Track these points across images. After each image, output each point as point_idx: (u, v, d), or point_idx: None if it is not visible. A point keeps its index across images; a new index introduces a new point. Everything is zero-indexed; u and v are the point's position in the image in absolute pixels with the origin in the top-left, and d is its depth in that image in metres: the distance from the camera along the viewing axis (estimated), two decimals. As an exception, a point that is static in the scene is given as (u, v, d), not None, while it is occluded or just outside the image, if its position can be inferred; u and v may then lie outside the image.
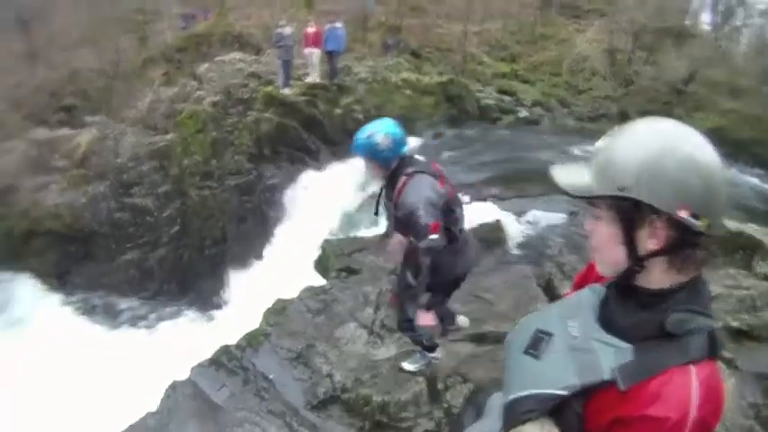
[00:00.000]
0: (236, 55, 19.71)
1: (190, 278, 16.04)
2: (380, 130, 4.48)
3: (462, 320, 5.97)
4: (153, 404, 7.40)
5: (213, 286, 15.73)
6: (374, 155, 4.51)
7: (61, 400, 13.27)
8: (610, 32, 20.61)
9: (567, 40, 20.17)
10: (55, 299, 17.58)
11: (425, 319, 4.47)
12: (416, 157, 4.56)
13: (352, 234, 10.80)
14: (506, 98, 17.01)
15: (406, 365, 6.14)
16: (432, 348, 5.94)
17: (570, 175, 1.48)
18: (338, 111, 16.06)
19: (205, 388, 7.25)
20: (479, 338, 6.44)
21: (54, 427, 12.51)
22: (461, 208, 4.62)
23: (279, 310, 8.14)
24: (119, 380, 13.20)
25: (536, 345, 1.52)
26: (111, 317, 16.65)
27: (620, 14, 21.37)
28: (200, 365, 7.65)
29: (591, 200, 1.46)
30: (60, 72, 25.23)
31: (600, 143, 1.46)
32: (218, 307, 15.29)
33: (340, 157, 14.90)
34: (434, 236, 4.13)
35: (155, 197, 16.30)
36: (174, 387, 7.47)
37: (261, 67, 18.49)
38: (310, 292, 8.39)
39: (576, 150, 14.19)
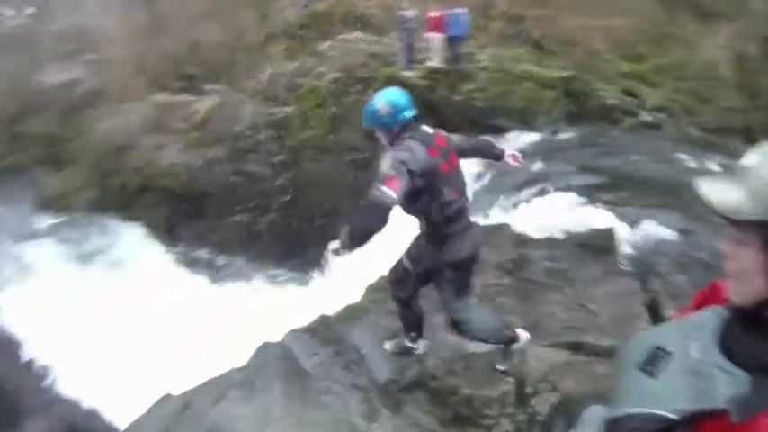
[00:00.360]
0: (358, 35, 20.30)
1: (296, 246, 16.89)
2: (381, 99, 4.66)
3: (522, 335, 5.94)
4: (242, 360, 7.74)
5: (318, 256, 16.19)
6: (374, 121, 4.72)
7: (152, 342, 14.44)
8: (738, 38, 19.82)
9: (694, 42, 19.50)
10: (160, 249, 18.99)
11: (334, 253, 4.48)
12: (422, 127, 4.67)
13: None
14: (628, 99, 16.46)
15: (388, 344, 6.54)
16: (417, 338, 6.28)
17: (718, 191, 1.36)
18: (458, 97, 16.17)
19: (296, 352, 7.45)
20: (575, 347, 6.45)
21: (140, 367, 13.57)
22: (458, 191, 4.63)
23: (380, 288, 8.14)
24: (212, 332, 14.24)
25: (653, 362, 1.46)
26: (214, 271, 17.82)
27: (751, 19, 20.40)
28: (295, 330, 7.90)
29: (736, 222, 1.35)
30: (183, 43, 26.37)
31: (753, 160, 1.33)
32: (321, 276, 15.89)
33: None
34: (387, 190, 4.00)
35: (269, 165, 17.28)
36: (265, 347, 7.71)
37: (382, 48, 18.97)
38: None
39: (697, 163, 13.51)
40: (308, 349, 7.43)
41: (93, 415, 13.57)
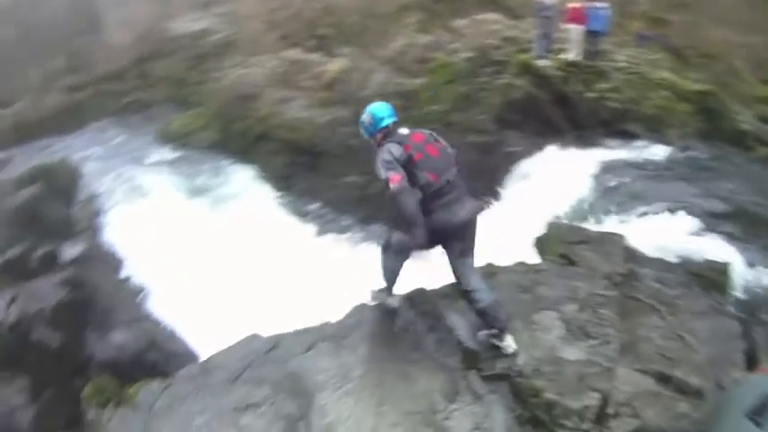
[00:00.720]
0: (494, 16, 20.52)
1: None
2: (366, 111, 6.53)
3: (509, 343, 6.61)
4: (336, 315, 8.33)
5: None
6: (364, 131, 6.64)
7: (249, 281, 15.53)
8: None
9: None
10: (271, 194, 20.34)
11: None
12: (400, 130, 6.23)
13: (580, 223, 10.69)
14: (764, 127, 15.89)
15: (482, 333, 7.03)
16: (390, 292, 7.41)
17: None
18: (592, 95, 16.03)
19: (392, 319, 7.91)
20: (664, 379, 6.44)
21: (232, 303, 14.69)
22: (435, 174, 5.87)
23: (488, 275, 8.42)
24: (310, 282, 15.19)
25: (762, 411, 1.54)
26: (321, 224, 18.93)
27: None
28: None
29: None
30: (318, 3, 27.20)
31: None
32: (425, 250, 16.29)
33: (586, 142, 14.92)
34: (394, 185, 5.54)
35: (391, 135, 17.41)
36: (362, 307, 8.14)
37: (518, 32, 19.39)
38: (523, 267, 8.69)
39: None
40: (403, 317, 7.88)
41: (176, 338, 15.03)
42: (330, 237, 18.28)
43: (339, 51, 22.09)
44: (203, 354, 13.52)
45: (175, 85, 30.09)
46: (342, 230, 18.50)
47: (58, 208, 19.69)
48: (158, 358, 14.09)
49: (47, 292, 14.21)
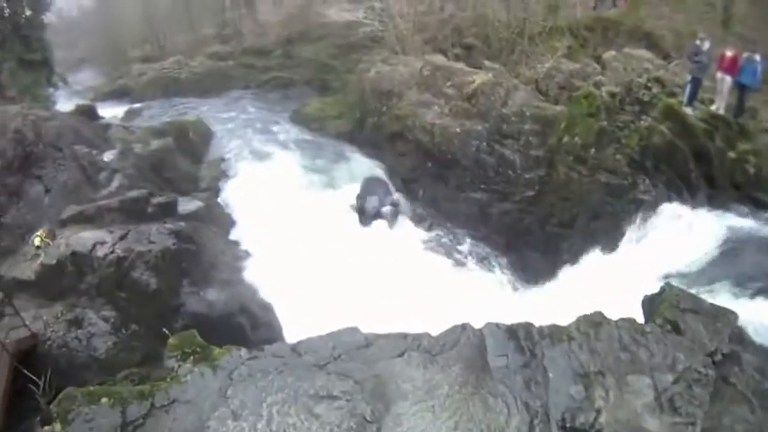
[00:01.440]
0: (645, 54, 19.85)
1: (520, 242, 17.62)
2: None
3: None
4: (432, 327, 8.40)
5: (537, 261, 16.86)
6: None
7: (351, 273, 15.81)
8: None
9: None
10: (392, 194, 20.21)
11: None
12: None
13: (694, 290, 10.17)
14: None
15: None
16: None
17: None
18: (731, 154, 15.07)
19: (489, 346, 8.02)
20: None
21: (331, 291, 15.00)
22: None
23: (593, 323, 8.42)
24: (413, 290, 15.25)
25: None
26: (435, 234, 18.97)
27: None
28: (497, 325, 8.39)
29: None
30: (468, 13, 27.29)
31: None
32: (532, 283, 16.31)
33: (716, 203, 14.12)
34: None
35: (524, 157, 17.98)
36: (463, 327, 8.27)
37: (668, 75, 18.57)
38: (629, 324, 8.50)
39: None
40: (500, 348, 8.02)
41: (267, 310, 15.42)
42: (442, 249, 18.24)
43: (485, 64, 21.95)
44: (289, 333, 14.04)
45: (318, 70, 31.14)
46: (455, 244, 18.44)
47: (184, 163, 20.77)
48: (245, 325, 14.57)
49: (156, 237, 14.90)
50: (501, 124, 18.67)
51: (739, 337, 8.64)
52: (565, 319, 8.66)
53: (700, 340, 8.19)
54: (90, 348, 13.13)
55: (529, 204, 17.58)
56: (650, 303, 9.49)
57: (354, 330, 8.23)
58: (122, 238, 14.79)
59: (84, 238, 14.58)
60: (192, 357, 7.77)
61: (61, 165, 17.46)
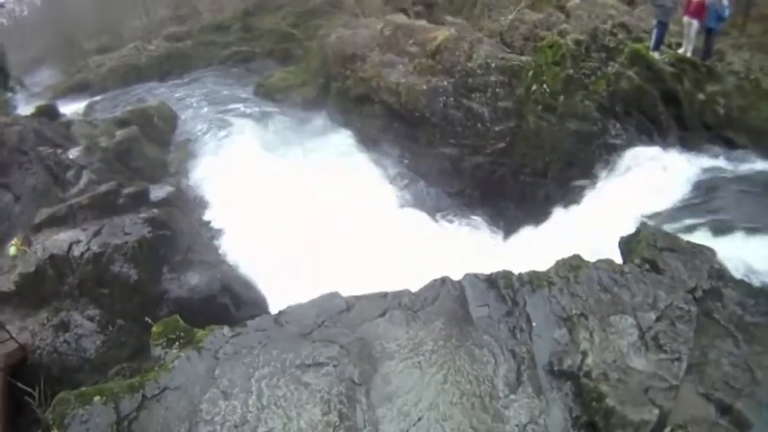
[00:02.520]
0: (610, 0, 19.60)
1: (495, 194, 17.82)
2: None
3: None
4: (414, 285, 8.45)
5: (513, 211, 17.06)
6: None
7: (328, 240, 15.87)
8: None
9: None
10: (362, 156, 20.47)
11: None
12: None
13: (672, 229, 10.27)
14: None
15: None
16: None
17: None
18: (701, 96, 14.97)
19: (469, 297, 8.09)
20: (725, 409, 6.62)
21: (310, 260, 15.19)
22: None
23: (572, 267, 8.50)
24: (391, 249, 15.36)
25: None
26: (408, 192, 19.00)
27: None
28: (476, 276, 8.45)
29: None
30: (427, -32, 26.97)
31: None
32: (510, 232, 16.40)
33: (688, 144, 14.11)
34: None
35: (492, 109, 18.15)
36: (442, 281, 8.32)
37: (633, 20, 18.60)
38: (608, 266, 8.59)
39: None
40: (481, 298, 8.10)
41: (249, 286, 15.58)
42: (418, 205, 18.33)
43: (448, 19, 21.87)
44: (274, 305, 14.04)
45: (279, 40, 30.81)
46: (428, 201, 18.55)
47: (152, 149, 20.62)
48: (229, 303, 14.71)
49: (131, 227, 14.95)
50: (467, 78, 18.76)
51: (719, 273, 8.77)
52: (545, 266, 8.72)
53: (679, 277, 8.34)
54: (80, 350, 13.19)
55: (500, 156, 17.74)
56: (627, 244, 9.62)
57: (335, 295, 8.26)
58: (97, 233, 14.82)
59: (60, 239, 14.60)
60: (177, 343, 7.82)
61: (28, 169, 17.39)
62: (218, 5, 36.58)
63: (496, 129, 17.84)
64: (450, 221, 17.72)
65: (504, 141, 17.67)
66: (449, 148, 18.71)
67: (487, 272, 8.53)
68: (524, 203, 16.62)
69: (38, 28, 44.96)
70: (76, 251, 14.27)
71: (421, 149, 19.49)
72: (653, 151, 14.06)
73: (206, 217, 17.90)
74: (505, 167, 17.53)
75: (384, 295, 8.15)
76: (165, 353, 7.71)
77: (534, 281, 8.21)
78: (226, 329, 7.95)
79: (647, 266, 8.56)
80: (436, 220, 17.75)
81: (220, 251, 16.47)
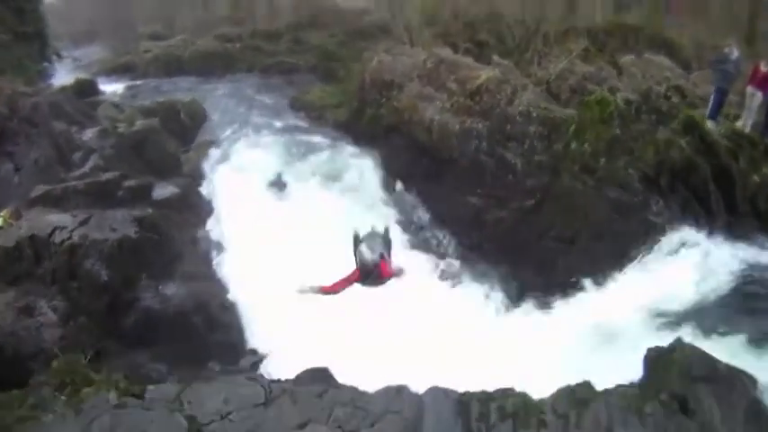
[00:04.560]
0: (665, 61, 17.94)
1: (514, 254, 15.39)
2: None
3: None
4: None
5: (529, 277, 14.70)
6: None
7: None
8: None
9: None
10: (383, 192, 18.37)
11: None
12: None
13: (708, 337, 9.24)
14: None
15: None
16: None
17: None
18: (755, 178, 13.29)
19: (427, 424, 6.43)
20: None
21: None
22: None
23: (577, 401, 6.84)
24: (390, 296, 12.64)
25: None
26: (421, 236, 16.92)
27: None
28: (444, 392, 7.13)
29: None
30: (481, 8, 26.00)
31: None
32: (521, 301, 13.96)
33: (735, 231, 12.39)
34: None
35: (526, 161, 16.10)
36: (398, 391, 7.10)
37: (687, 84, 16.84)
38: (624, 401, 6.99)
39: None
40: (441, 428, 6.33)
41: (229, 310, 13.66)
42: (429, 252, 16.16)
43: (495, 60, 20.02)
44: (253, 337, 12.79)
45: (324, 57, 29.45)
46: (444, 249, 16.42)
47: (171, 145, 19.12)
48: (201, 324, 12.90)
49: (119, 224, 13.33)
50: (504, 124, 16.73)
51: (756, 411, 6.99)
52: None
53: (711, 422, 6.60)
54: (38, 339, 11.47)
55: (527, 214, 15.62)
56: (655, 362, 7.92)
57: (257, 380, 7.01)
58: (83, 223, 13.17)
59: (46, 221, 13.07)
60: (67, 389, 6.45)
61: (34, 142, 15.89)
62: (274, 13, 35.45)
63: (528, 183, 15.80)
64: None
65: (533, 198, 15.60)
66: (474, 197, 16.68)
67: (459, 386, 7.08)
68: (544, 271, 14.47)
69: (96, 2, 43.63)
70: (58, 237, 12.68)
71: (444, 193, 17.50)
72: (696, 236, 12.19)
73: (208, 226, 16.25)
74: (531, 227, 15.43)
75: (320, 394, 6.55)
76: (51, 397, 6.33)
77: (521, 413, 6.42)
78: (112, 396, 6.35)
79: (675, 405, 6.92)
80: (443, 275, 15.23)
81: (212, 266, 14.77)
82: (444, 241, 16.73)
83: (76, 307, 12.16)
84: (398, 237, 16.11)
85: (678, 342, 8.03)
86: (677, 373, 7.33)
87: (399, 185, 18.69)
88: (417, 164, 18.56)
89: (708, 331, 9.63)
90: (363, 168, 19.35)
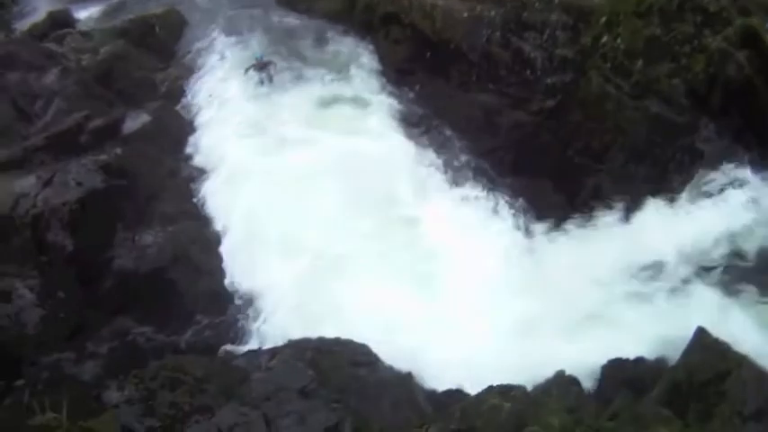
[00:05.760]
0: None
1: (532, 163, 13.46)
2: None
3: None
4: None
5: (550, 191, 13.05)
6: None
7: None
8: None
9: None
10: (380, 94, 15.90)
11: None
12: None
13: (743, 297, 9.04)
14: None
15: None
16: None
17: None
18: None
19: None
20: None
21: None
22: None
23: None
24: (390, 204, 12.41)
25: None
26: (427, 141, 14.57)
27: None
28: None
29: None
30: None
31: None
32: (542, 219, 12.17)
33: None
34: None
35: (547, 55, 13.54)
36: None
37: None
38: None
39: None
40: None
41: (213, 251, 12.01)
42: (436, 160, 13.90)
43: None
44: (243, 281, 11.24)
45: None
46: (452, 155, 14.08)
47: (143, 66, 16.59)
48: (180, 279, 11.32)
49: (82, 176, 11.63)
50: (521, 11, 14.13)
51: None
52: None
53: None
54: (20, 325, 10.25)
55: (548, 118, 13.46)
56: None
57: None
58: (46, 184, 11.48)
59: (8, 191, 11.43)
60: None
61: (-14, 102, 13.98)
62: None
63: (548, 81, 13.38)
64: (472, 186, 13.19)
65: (555, 99, 13.29)
66: (486, 94, 14.37)
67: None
68: (566, 186, 12.64)
69: None
70: (22, 207, 11.15)
71: (452, 91, 15.13)
72: (747, 174, 10.48)
73: (188, 149, 14.26)
74: (552, 134, 13.28)
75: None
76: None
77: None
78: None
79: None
80: (455, 183, 13.31)
81: (195, 198, 12.93)
82: (453, 144, 14.47)
83: (51, 282, 10.76)
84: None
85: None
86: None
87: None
88: (420, 57, 16.00)
89: (742, 285, 9.14)
90: (357, 59, 17.00)
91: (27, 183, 11.53)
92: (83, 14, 20.33)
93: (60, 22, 18.44)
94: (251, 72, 15.68)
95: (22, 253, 10.96)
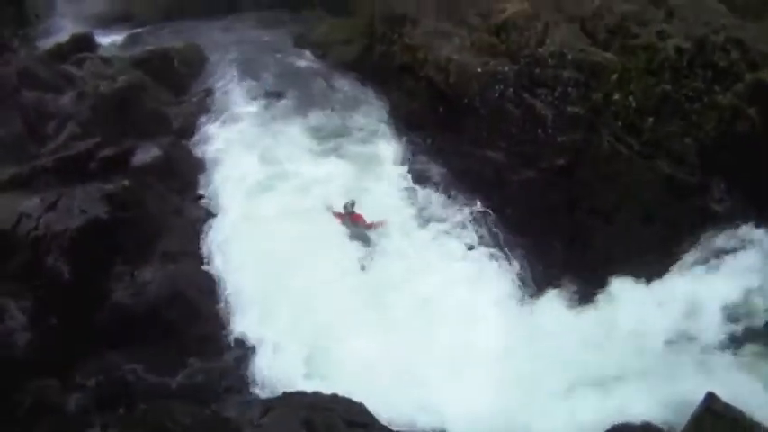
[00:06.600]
0: (720, 6, 13.79)
1: (539, 223, 12.96)
2: None
3: None
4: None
5: (557, 252, 12.55)
6: None
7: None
8: None
9: None
10: (391, 144, 15.87)
11: None
12: None
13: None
14: None
15: None
16: None
17: None
18: None
19: None
20: None
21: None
22: None
23: None
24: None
25: None
26: (437, 203, 14.13)
27: None
28: None
29: None
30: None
31: None
32: (546, 284, 11.74)
33: None
34: None
35: (558, 113, 13.16)
36: None
37: (748, 37, 12.53)
38: None
39: None
40: None
41: (212, 293, 11.74)
42: (441, 215, 13.63)
43: (528, -7, 16.67)
44: (240, 320, 11.07)
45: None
46: (459, 212, 13.71)
47: (159, 98, 16.52)
48: (177, 319, 10.99)
49: (89, 203, 11.36)
50: (534, 68, 13.79)
51: None
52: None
53: None
54: (11, 346, 9.96)
55: (558, 176, 13.04)
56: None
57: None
58: (50, 207, 11.17)
59: (12, 209, 11.19)
60: None
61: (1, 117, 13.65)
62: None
63: (559, 140, 13.04)
64: (477, 245, 12.90)
65: (565, 157, 12.92)
66: (496, 152, 14.01)
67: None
68: (574, 248, 12.27)
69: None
70: (24, 227, 10.88)
71: (463, 146, 14.79)
72: (757, 233, 10.08)
73: (196, 189, 14.11)
74: (561, 193, 12.88)
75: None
76: None
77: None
78: None
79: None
80: (459, 239, 13.02)
81: (198, 239, 12.61)
82: (462, 202, 14.05)
83: (44, 307, 10.40)
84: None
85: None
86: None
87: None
88: (432, 110, 15.74)
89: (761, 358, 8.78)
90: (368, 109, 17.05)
91: (31, 203, 11.28)
92: (105, 40, 20.58)
93: (82, 45, 18.49)
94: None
95: (19, 273, 10.63)
